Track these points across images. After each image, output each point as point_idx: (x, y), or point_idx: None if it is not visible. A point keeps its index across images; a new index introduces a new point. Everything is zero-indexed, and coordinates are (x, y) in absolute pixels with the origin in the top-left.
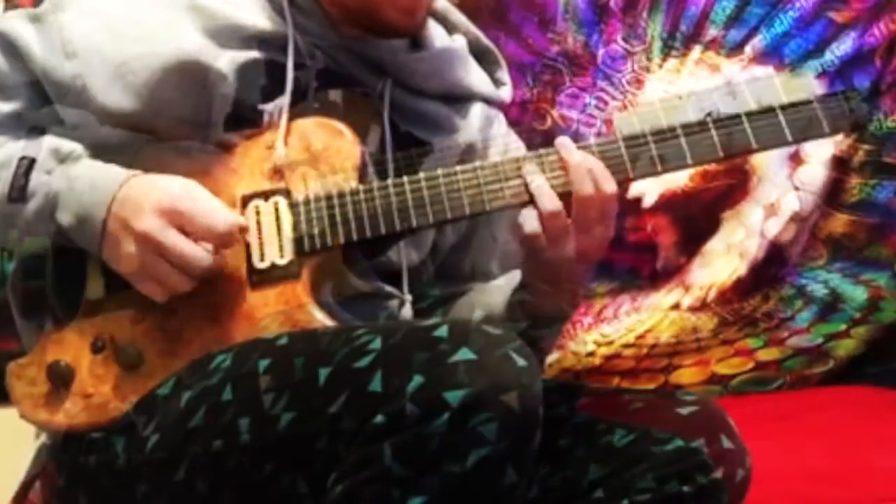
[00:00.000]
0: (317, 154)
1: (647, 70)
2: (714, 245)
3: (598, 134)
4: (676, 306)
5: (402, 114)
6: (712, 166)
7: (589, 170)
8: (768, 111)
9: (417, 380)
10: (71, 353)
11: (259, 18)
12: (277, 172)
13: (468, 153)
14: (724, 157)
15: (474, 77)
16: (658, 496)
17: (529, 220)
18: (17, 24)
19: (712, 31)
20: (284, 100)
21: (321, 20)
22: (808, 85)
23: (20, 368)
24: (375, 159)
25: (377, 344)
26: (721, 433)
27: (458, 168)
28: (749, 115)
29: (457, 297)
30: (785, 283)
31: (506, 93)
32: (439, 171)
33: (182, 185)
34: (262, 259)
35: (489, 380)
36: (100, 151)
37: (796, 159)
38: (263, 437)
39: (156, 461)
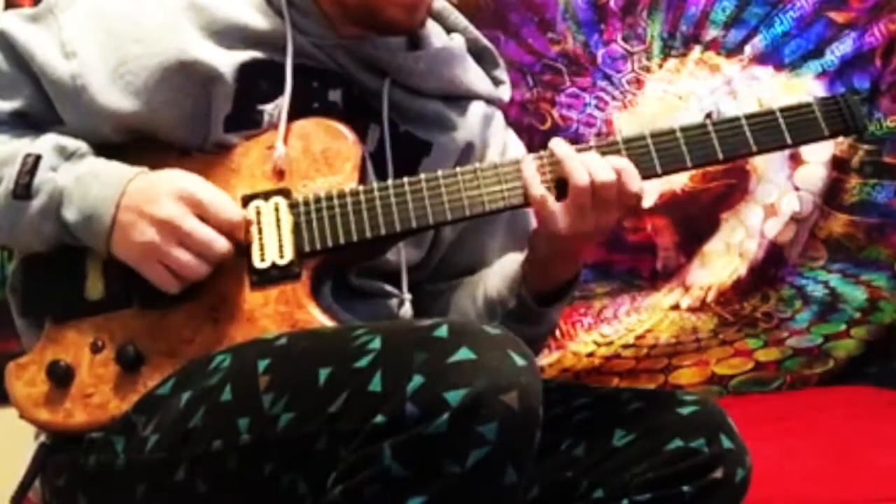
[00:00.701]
0: (316, 154)
1: (647, 70)
2: (714, 245)
3: (598, 134)
4: (676, 307)
5: (401, 113)
6: (712, 167)
7: (581, 160)
8: (767, 113)
9: (417, 380)
10: (71, 353)
11: (258, 19)
12: (277, 173)
13: (467, 152)
14: (723, 159)
15: (473, 76)
16: (658, 496)
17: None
18: (16, 24)
19: (712, 32)
20: (284, 100)
21: (320, 20)
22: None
23: (20, 368)
24: (375, 159)
25: (377, 344)
26: (721, 433)
27: (457, 169)
28: (748, 117)
29: (454, 290)
30: (784, 283)
31: (504, 91)
32: (439, 172)
33: (194, 176)
34: (262, 259)
35: (489, 380)
36: (100, 151)
37: (796, 160)
38: (263, 437)
39: (155, 461)
